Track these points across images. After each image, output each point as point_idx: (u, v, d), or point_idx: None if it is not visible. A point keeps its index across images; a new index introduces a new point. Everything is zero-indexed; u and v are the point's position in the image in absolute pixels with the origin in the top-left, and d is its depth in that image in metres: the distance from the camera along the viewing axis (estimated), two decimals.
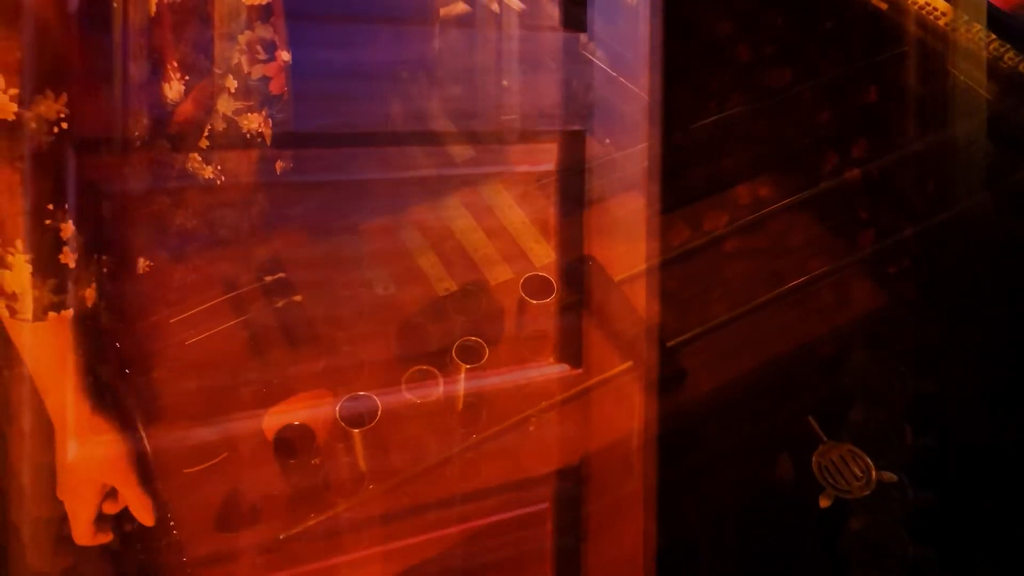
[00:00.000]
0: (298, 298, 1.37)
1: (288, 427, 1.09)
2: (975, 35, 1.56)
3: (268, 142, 1.27)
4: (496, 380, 1.24)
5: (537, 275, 1.22)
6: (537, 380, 1.26)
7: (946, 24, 1.58)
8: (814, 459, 1.41)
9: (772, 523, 1.39)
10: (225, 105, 1.22)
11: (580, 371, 1.27)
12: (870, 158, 1.56)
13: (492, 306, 1.28)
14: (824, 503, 1.37)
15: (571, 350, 1.28)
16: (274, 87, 1.24)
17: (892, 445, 1.42)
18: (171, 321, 1.34)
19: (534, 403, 1.24)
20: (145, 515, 1.14)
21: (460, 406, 1.22)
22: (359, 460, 1.14)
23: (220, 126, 1.24)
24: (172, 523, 1.14)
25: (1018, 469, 1.39)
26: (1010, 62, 1.54)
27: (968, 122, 1.54)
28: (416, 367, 1.14)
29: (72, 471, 1.11)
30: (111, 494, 1.15)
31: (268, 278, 1.39)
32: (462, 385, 1.18)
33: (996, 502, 1.38)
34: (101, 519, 1.16)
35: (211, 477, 1.17)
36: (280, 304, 1.36)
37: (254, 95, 1.22)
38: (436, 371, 1.13)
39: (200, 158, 1.26)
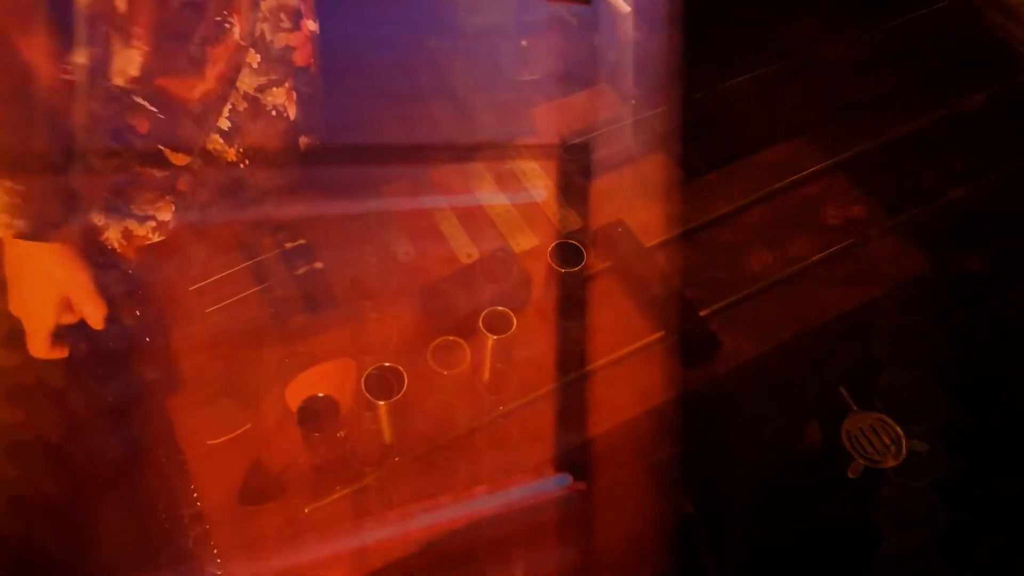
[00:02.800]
0: (319, 265, 1.34)
1: (312, 399, 1.07)
2: None
3: (293, 117, 1.22)
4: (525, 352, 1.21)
5: (566, 242, 1.18)
6: (564, 352, 1.22)
7: None
8: (843, 428, 1.38)
9: (803, 489, 1.37)
10: (247, 82, 1.17)
11: (610, 340, 1.23)
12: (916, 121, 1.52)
13: (520, 274, 1.25)
14: (853, 474, 1.34)
15: (602, 318, 1.24)
16: (299, 58, 1.19)
17: (923, 410, 1.39)
18: (190, 289, 1.31)
19: (563, 373, 1.21)
20: (95, 318, 1.13)
21: (487, 376, 1.18)
22: (384, 431, 1.12)
23: (242, 105, 1.19)
24: (195, 493, 1.11)
25: None
26: None
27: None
28: (442, 338, 1.10)
29: (24, 282, 1.09)
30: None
31: (288, 245, 1.36)
32: (489, 355, 1.14)
33: None
34: (57, 332, 1.13)
35: (234, 448, 1.14)
36: (301, 271, 1.33)
37: (278, 67, 1.17)
38: (463, 342, 1.10)
39: (222, 140, 1.22)
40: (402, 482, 1.14)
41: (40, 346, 1.12)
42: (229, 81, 1.16)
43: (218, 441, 1.14)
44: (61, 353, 1.15)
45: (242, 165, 1.24)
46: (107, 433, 1.19)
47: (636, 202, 1.37)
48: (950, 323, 1.41)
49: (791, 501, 1.36)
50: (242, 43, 1.11)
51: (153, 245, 1.27)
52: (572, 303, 1.20)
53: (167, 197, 1.25)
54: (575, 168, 1.39)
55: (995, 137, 1.52)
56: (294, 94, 1.20)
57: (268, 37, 1.14)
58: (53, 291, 1.10)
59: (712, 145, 1.49)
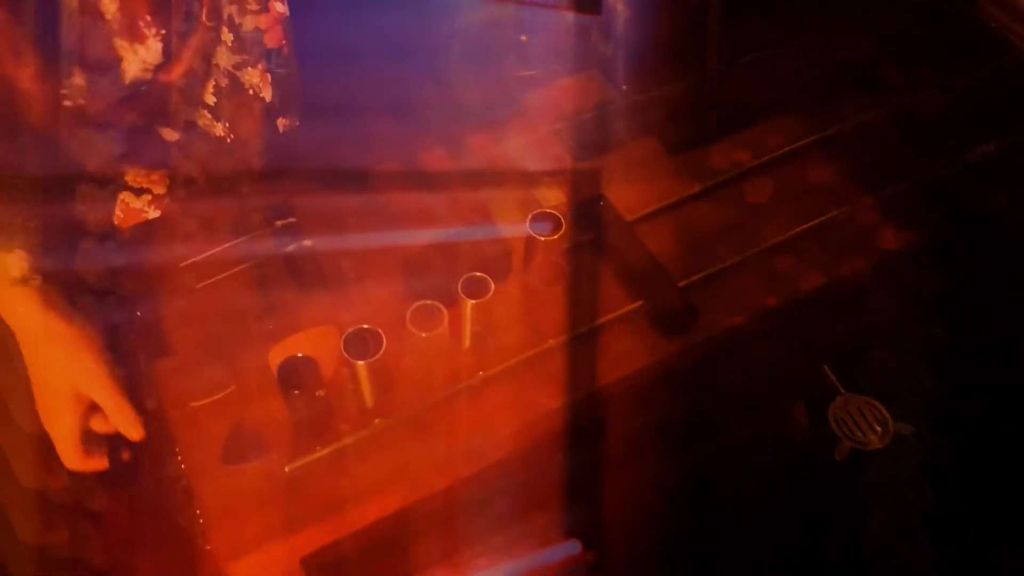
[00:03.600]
0: (308, 242, 1.36)
1: (292, 359, 1.09)
2: None
3: (268, 99, 1.25)
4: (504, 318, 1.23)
5: (545, 211, 1.20)
6: (545, 319, 1.24)
7: None
8: (830, 411, 1.39)
9: (788, 469, 1.38)
10: (224, 59, 1.20)
11: (588, 309, 1.25)
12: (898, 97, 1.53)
13: (501, 245, 1.27)
14: (840, 456, 1.35)
15: (581, 287, 1.26)
16: (269, 40, 1.21)
17: (909, 392, 1.39)
18: (181, 265, 1.34)
19: (543, 340, 1.23)
20: (129, 428, 1.10)
21: (467, 342, 1.21)
22: (365, 393, 1.14)
23: (223, 81, 1.22)
24: (179, 455, 1.14)
25: None
26: None
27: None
28: (421, 302, 1.12)
29: (45, 385, 1.08)
30: (97, 411, 1.11)
31: (279, 223, 1.38)
32: (468, 320, 1.16)
33: (1015, 447, 1.35)
34: (91, 441, 1.12)
35: (217, 410, 1.17)
36: (290, 248, 1.36)
37: (251, 48, 1.20)
38: (441, 306, 1.12)
39: (209, 115, 1.25)
40: (383, 444, 1.15)
41: (72, 456, 1.08)
42: (205, 57, 1.19)
43: (201, 403, 1.16)
44: (99, 464, 1.11)
45: (228, 140, 1.27)
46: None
47: (619, 180, 1.38)
48: (936, 302, 1.42)
49: (776, 480, 1.37)
50: (208, 23, 1.14)
51: (148, 222, 1.30)
52: (550, 271, 1.22)
53: (161, 170, 1.27)
54: (564, 149, 1.42)
55: (984, 117, 1.53)
56: (268, 76, 1.23)
57: (236, 20, 1.16)
58: (71, 387, 1.06)
59: (701, 124, 1.50)
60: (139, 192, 1.28)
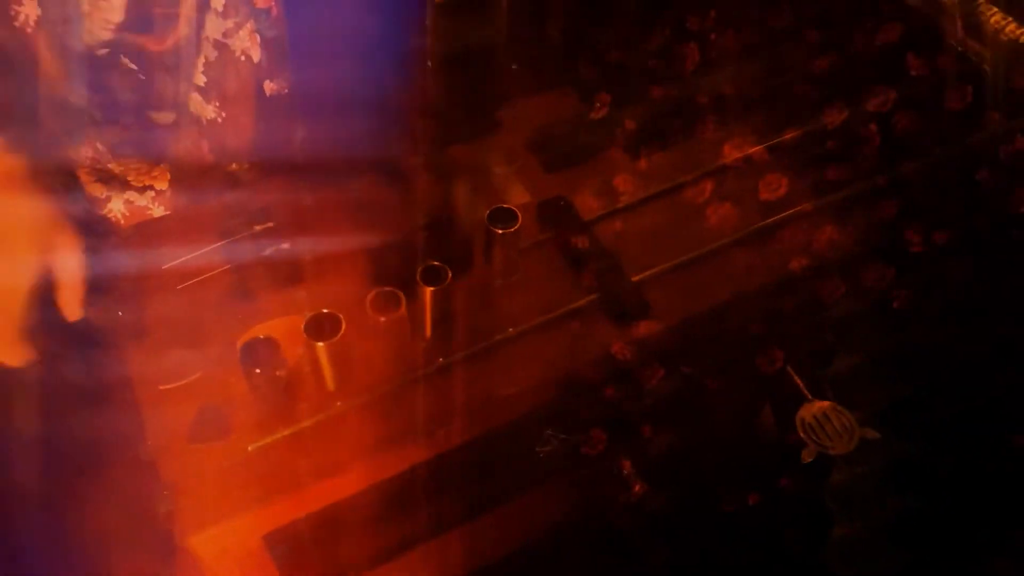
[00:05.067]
0: (286, 245, 1.42)
1: (255, 339, 1.14)
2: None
3: (257, 59, 1.27)
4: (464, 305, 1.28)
5: (503, 207, 1.26)
6: (504, 310, 1.29)
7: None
8: (798, 416, 1.42)
9: (751, 471, 1.40)
10: (214, 28, 1.22)
11: (546, 299, 1.30)
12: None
13: (462, 238, 1.32)
14: (807, 458, 1.37)
15: (540, 280, 1.31)
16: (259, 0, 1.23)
17: (873, 396, 1.42)
18: (163, 268, 1.39)
19: (501, 329, 1.28)
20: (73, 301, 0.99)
21: (428, 331, 1.25)
22: (327, 376, 1.19)
23: (212, 55, 1.25)
24: (146, 435, 1.19)
25: (998, 421, 1.39)
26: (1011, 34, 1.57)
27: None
28: (379, 289, 1.18)
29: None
30: None
31: (258, 227, 1.44)
32: (428, 308, 1.21)
33: (976, 453, 1.37)
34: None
35: (186, 393, 1.22)
36: (269, 252, 1.42)
37: (241, 7, 1.21)
38: (399, 292, 1.17)
39: (200, 97, 1.28)
40: (344, 426, 1.20)
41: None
42: (197, 26, 1.21)
43: (170, 387, 1.21)
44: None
45: (220, 119, 1.30)
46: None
47: (583, 184, 1.44)
48: (897, 306, 1.45)
49: (740, 478, 1.39)
50: None
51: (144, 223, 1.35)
52: (507, 263, 1.27)
53: (161, 165, 1.32)
54: (531, 157, 1.48)
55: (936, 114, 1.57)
56: (257, 36, 1.25)
57: None
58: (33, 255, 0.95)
59: (662, 129, 1.55)
60: (142, 190, 1.32)
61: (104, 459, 1.22)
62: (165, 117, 1.30)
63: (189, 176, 1.40)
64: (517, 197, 1.42)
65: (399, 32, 1.51)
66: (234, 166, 1.41)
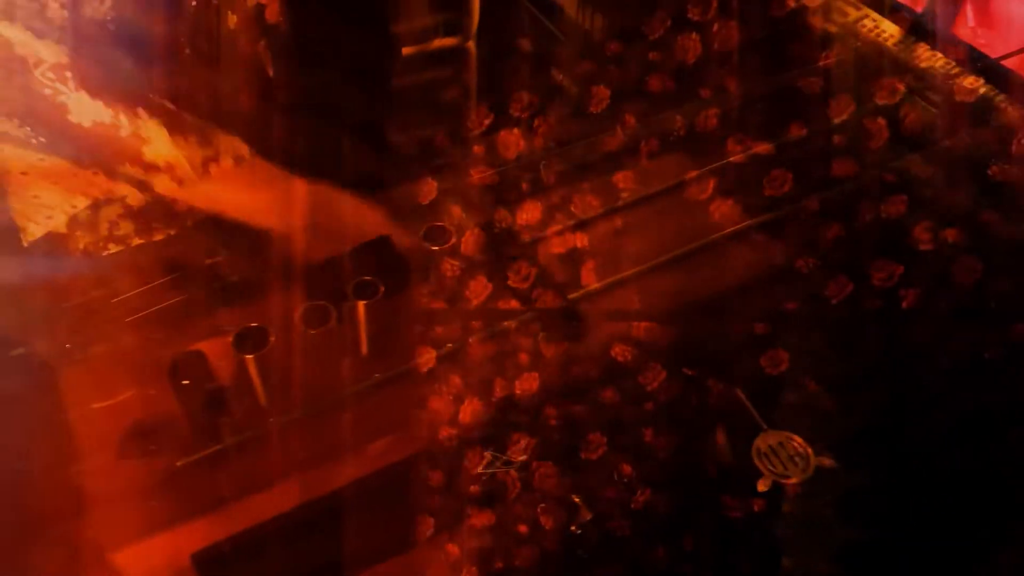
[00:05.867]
0: (235, 278, 1.43)
1: (184, 353, 1.14)
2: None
3: (270, 74, 1.31)
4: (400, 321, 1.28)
5: (435, 225, 1.27)
6: (440, 327, 1.29)
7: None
8: (754, 445, 1.41)
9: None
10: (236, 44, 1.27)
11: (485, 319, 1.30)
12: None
13: (397, 258, 1.33)
14: (762, 487, 1.36)
15: (475, 299, 1.32)
16: (270, 14, 1.28)
17: (825, 426, 1.41)
18: (113, 301, 1.40)
19: (440, 345, 1.28)
20: None
21: (365, 347, 1.26)
22: (258, 391, 1.18)
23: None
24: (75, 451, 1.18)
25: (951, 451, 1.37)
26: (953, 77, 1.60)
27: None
28: (311, 302, 1.18)
29: None
30: None
31: (209, 260, 1.46)
32: (363, 322, 1.22)
33: (929, 483, 1.36)
34: None
35: (118, 410, 1.21)
36: (219, 285, 1.43)
37: (253, 25, 1.27)
38: (329, 305, 1.17)
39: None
40: (277, 442, 1.19)
41: None
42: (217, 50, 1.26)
43: (102, 404, 1.21)
44: None
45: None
46: None
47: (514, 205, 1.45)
48: (906, 305, 1.43)
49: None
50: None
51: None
52: (442, 281, 1.28)
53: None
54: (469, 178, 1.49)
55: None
56: (269, 52, 1.31)
57: None
58: None
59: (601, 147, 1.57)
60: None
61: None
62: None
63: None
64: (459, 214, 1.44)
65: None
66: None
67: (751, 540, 1.32)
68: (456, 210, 1.45)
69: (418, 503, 1.21)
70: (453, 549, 1.19)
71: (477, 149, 1.55)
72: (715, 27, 1.50)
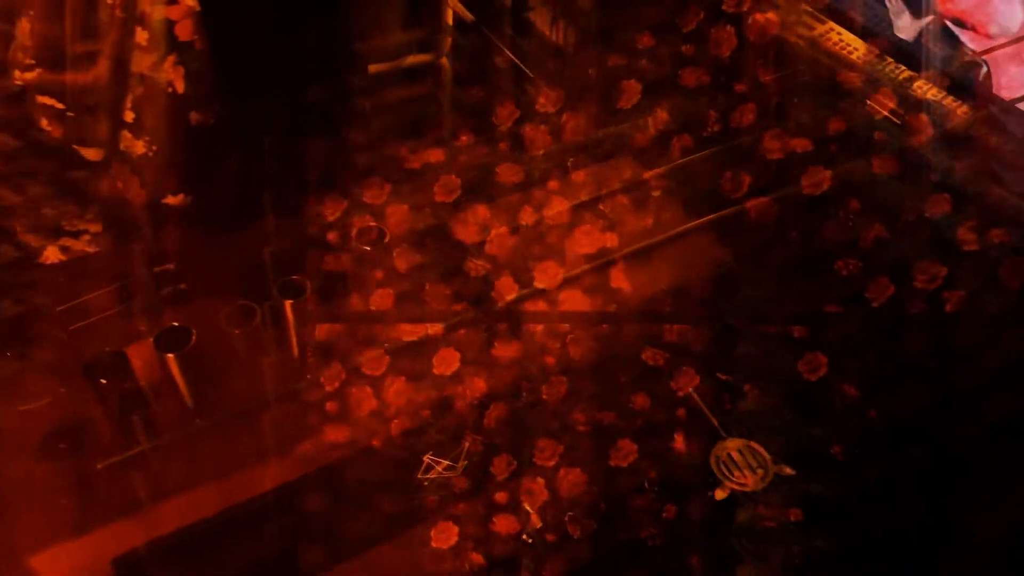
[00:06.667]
0: (183, 286, 1.43)
1: (101, 352, 1.13)
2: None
3: (181, 91, 1.29)
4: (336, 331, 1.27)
5: (371, 225, 1.26)
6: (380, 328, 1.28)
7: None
8: (712, 454, 1.37)
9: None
10: (140, 63, 1.25)
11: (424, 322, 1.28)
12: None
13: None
14: (720, 495, 1.33)
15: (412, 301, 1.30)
16: (181, 32, 1.26)
17: (781, 433, 1.38)
18: (57, 309, 1.40)
19: (375, 349, 1.26)
20: None
21: (296, 351, 1.24)
22: (184, 392, 1.17)
23: (138, 89, 1.27)
24: None
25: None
26: (919, 91, 1.57)
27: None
28: (237, 303, 1.17)
29: None
30: None
31: (156, 269, 1.45)
32: (292, 323, 1.20)
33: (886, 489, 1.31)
34: None
35: (42, 413, 1.20)
36: (166, 292, 1.42)
37: (161, 42, 1.24)
38: (255, 304, 1.16)
39: (130, 135, 1.30)
40: (203, 445, 1.17)
41: None
42: (122, 63, 1.25)
43: (28, 407, 1.20)
44: None
45: (149, 154, 1.32)
46: None
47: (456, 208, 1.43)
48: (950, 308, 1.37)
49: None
50: (119, 14, 1.21)
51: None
52: (368, 284, 1.27)
53: (93, 208, 1.33)
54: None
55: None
56: (181, 68, 1.28)
57: (147, 10, 1.22)
58: None
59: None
60: (78, 234, 1.34)
61: None
62: (94, 153, 1.31)
63: (122, 216, 1.41)
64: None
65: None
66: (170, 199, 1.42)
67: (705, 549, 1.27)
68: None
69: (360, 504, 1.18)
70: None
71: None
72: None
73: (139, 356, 1.20)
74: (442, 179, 1.44)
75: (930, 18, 1.61)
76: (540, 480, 1.20)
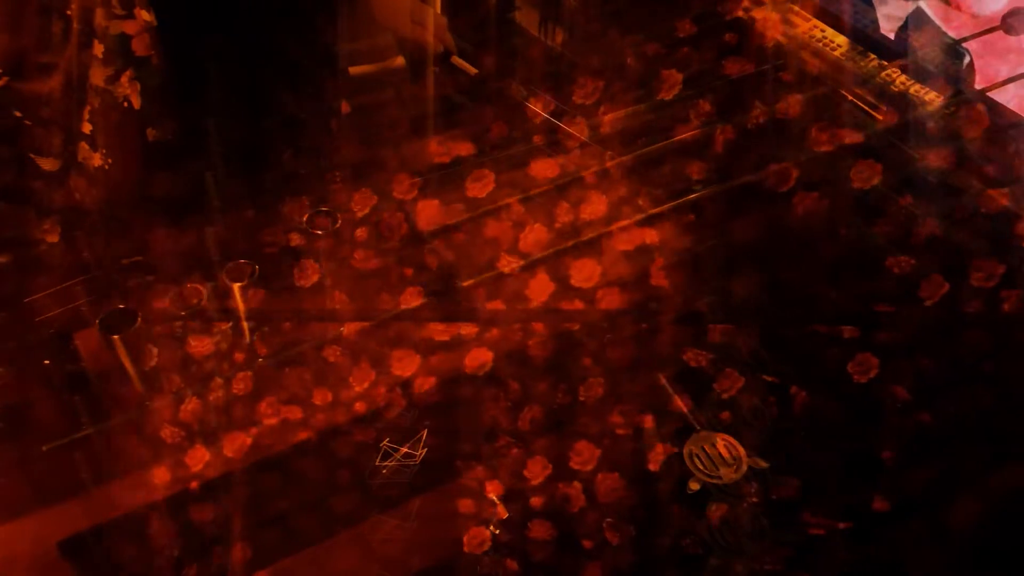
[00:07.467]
0: (151, 278, 1.43)
1: (45, 334, 1.13)
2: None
3: (137, 107, 1.29)
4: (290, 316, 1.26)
5: (323, 209, 1.26)
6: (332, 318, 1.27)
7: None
8: (686, 447, 1.35)
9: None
10: (97, 75, 1.25)
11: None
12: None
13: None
14: (693, 487, 1.31)
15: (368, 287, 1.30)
16: (137, 47, 1.26)
17: (754, 426, 1.35)
18: (25, 301, 1.40)
19: (327, 335, 1.25)
20: None
21: (248, 337, 1.24)
22: (132, 375, 1.17)
23: (95, 101, 1.27)
24: None
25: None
26: (900, 86, 1.55)
27: None
28: (185, 285, 1.17)
29: None
30: None
31: (125, 261, 1.46)
32: (240, 305, 1.20)
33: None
34: None
35: None
36: (133, 284, 1.42)
37: (118, 56, 1.24)
38: (201, 287, 1.16)
39: (88, 146, 1.31)
40: (151, 429, 1.17)
41: None
42: (79, 76, 1.26)
43: None
44: None
45: (106, 166, 1.33)
46: None
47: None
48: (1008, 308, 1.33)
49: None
50: (76, 26, 1.21)
51: None
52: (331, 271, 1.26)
53: (51, 218, 1.34)
54: None
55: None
56: (137, 84, 1.28)
57: (104, 24, 1.22)
58: None
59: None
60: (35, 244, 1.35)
61: None
62: (50, 163, 1.32)
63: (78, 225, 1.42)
64: None
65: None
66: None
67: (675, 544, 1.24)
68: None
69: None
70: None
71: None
72: None
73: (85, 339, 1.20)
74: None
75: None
76: (577, 485, 1.17)
